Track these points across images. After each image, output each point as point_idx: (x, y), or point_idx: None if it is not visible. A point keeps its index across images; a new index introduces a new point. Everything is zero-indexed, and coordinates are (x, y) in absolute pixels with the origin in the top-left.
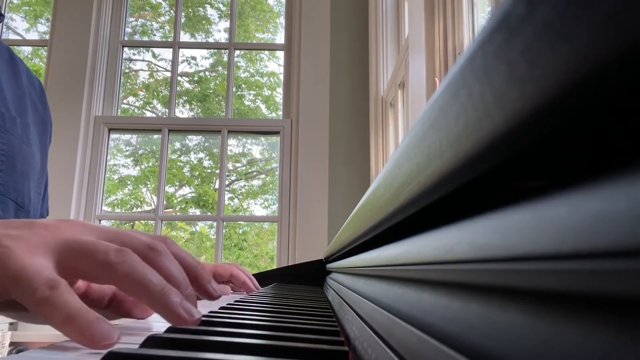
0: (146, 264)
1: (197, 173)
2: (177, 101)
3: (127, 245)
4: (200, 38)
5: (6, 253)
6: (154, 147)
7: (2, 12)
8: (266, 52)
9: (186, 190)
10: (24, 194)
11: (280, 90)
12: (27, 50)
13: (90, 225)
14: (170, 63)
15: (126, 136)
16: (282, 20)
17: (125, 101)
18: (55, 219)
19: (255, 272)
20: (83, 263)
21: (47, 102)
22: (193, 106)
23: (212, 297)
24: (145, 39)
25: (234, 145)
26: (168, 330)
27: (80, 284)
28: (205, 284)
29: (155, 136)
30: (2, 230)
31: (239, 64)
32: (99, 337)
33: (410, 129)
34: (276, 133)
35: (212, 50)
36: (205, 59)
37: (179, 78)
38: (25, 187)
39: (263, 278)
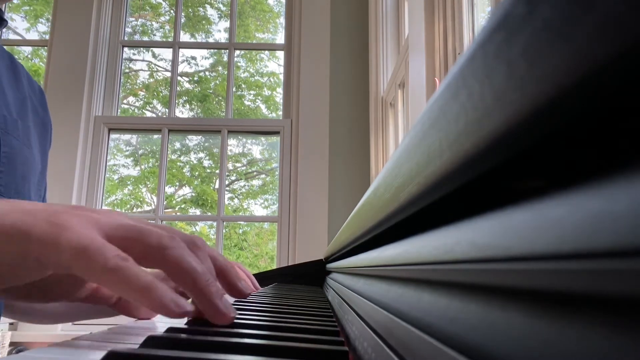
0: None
1: (197, 173)
2: (177, 101)
3: (138, 242)
4: (200, 38)
5: (69, 229)
6: (154, 147)
7: (4, 18)
8: (266, 52)
9: (186, 190)
10: (24, 196)
11: (280, 90)
12: (27, 50)
13: (133, 217)
14: (170, 63)
15: (126, 136)
16: (282, 20)
17: (125, 101)
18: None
19: (255, 272)
20: (135, 245)
21: (47, 106)
22: (193, 106)
23: (242, 295)
24: (145, 39)
25: (234, 145)
26: (168, 330)
27: (88, 287)
28: (236, 283)
29: (155, 136)
30: (51, 208)
31: (239, 64)
32: (178, 304)
33: (410, 129)
34: (276, 133)
35: (212, 50)
36: (205, 59)
37: (179, 78)
38: (25, 189)
39: (263, 278)
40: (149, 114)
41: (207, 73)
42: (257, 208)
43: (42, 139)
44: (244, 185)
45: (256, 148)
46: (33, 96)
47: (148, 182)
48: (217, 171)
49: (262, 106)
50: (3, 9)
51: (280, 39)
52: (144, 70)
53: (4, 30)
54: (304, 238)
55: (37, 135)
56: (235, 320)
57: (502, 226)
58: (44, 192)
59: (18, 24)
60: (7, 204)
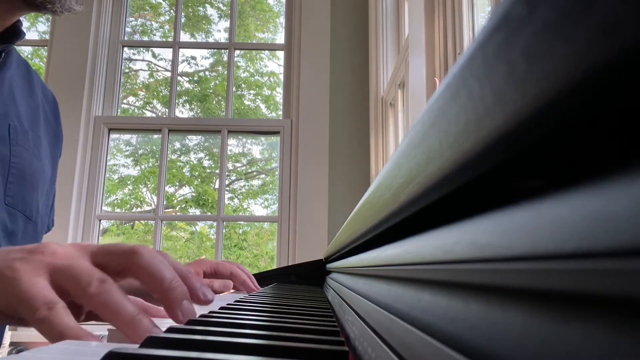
0: (121, 294)
1: (197, 173)
2: (177, 101)
3: (113, 254)
4: (200, 38)
5: (13, 278)
6: (154, 147)
7: (22, 30)
8: (266, 52)
9: (186, 190)
10: (32, 207)
11: (280, 90)
12: (27, 50)
13: (87, 246)
14: (170, 63)
15: (126, 136)
16: (282, 20)
17: (125, 101)
18: (55, 243)
19: (255, 272)
20: (70, 287)
21: (60, 116)
22: (193, 106)
23: (200, 301)
24: (145, 38)
25: (234, 145)
26: (168, 330)
27: None
28: (195, 289)
29: (155, 136)
30: (14, 255)
31: (238, 63)
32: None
33: (410, 129)
34: (276, 133)
35: (212, 50)
36: (205, 58)
37: (179, 78)
38: (34, 200)
39: (263, 278)
40: (149, 114)
41: (207, 73)
42: (257, 208)
43: (53, 149)
44: (244, 185)
45: (256, 148)
46: (46, 105)
47: (148, 182)
48: (217, 171)
49: (262, 106)
50: (21, 20)
51: (280, 38)
52: (144, 70)
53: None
54: (304, 238)
55: (48, 145)
56: (236, 320)
57: (502, 226)
58: (52, 200)
59: None
60: None
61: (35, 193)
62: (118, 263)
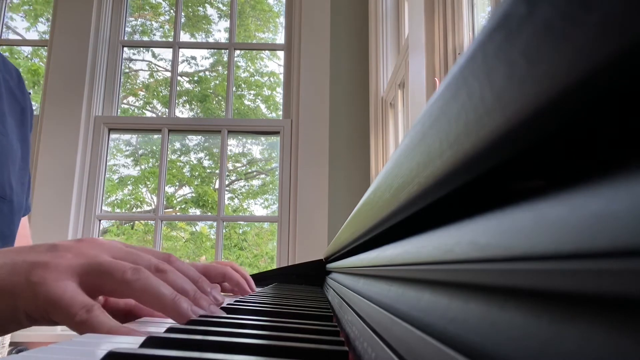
0: (158, 278)
1: (197, 173)
2: (177, 101)
3: (137, 262)
4: (200, 38)
5: (43, 284)
6: (154, 147)
7: None
8: (266, 51)
9: (186, 190)
10: (4, 184)
11: (280, 90)
12: (27, 50)
13: (105, 243)
14: (170, 63)
15: (126, 136)
16: (282, 20)
17: (125, 101)
18: (73, 240)
19: (255, 272)
20: (105, 281)
21: (26, 90)
22: (193, 106)
23: (216, 302)
24: (145, 38)
25: (234, 145)
26: (168, 330)
27: (100, 297)
28: (208, 292)
29: (155, 136)
30: (31, 258)
31: (239, 63)
32: None
33: (410, 129)
34: (276, 133)
35: (212, 50)
36: (205, 58)
37: (179, 78)
38: (5, 177)
39: (263, 278)
40: (149, 114)
41: (207, 73)
42: (257, 208)
43: (21, 124)
44: (244, 185)
45: (256, 148)
46: (9, 79)
47: (148, 182)
48: (217, 171)
49: (262, 106)
50: None
51: (280, 38)
52: (144, 70)
53: (3, 30)
54: (304, 238)
55: (15, 121)
56: (236, 320)
57: (502, 226)
58: (27, 182)
59: (18, 23)
60: None
61: (6, 170)
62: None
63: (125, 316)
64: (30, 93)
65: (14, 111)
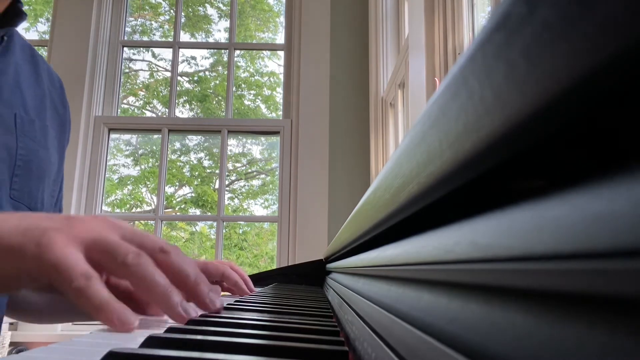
0: (157, 267)
1: (197, 173)
2: (177, 101)
3: (143, 245)
4: (200, 38)
5: (49, 247)
6: (154, 147)
7: (23, 10)
8: (266, 51)
9: (186, 190)
10: (37, 200)
11: (280, 90)
12: None
13: (118, 224)
14: (170, 63)
15: (126, 136)
16: (282, 19)
17: (125, 101)
18: (89, 216)
19: (255, 272)
20: (106, 259)
21: (67, 102)
22: (193, 106)
23: (208, 308)
24: (145, 38)
25: (234, 145)
26: (168, 330)
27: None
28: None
29: (155, 136)
30: (45, 224)
31: (239, 63)
32: (123, 321)
33: (410, 129)
34: (276, 133)
35: (212, 50)
36: (205, 58)
37: (179, 78)
38: (39, 192)
39: (263, 278)
40: (149, 114)
41: (207, 73)
42: (257, 208)
43: (60, 137)
44: (244, 185)
45: (256, 148)
46: (53, 92)
47: (148, 182)
48: (217, 171)
49: (262, 106)
50: (21, 1)
51: (280, 38)
52: (144, 70)
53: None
54: (304, 238)
55: (55, 133)
56: (236, 320)
57: (503, 226)
58: (59, 188)
59: None
60: (9, 222)
61: (42, 185)
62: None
63: (124, 300)
64: (69, 104)
65: (55, 123)
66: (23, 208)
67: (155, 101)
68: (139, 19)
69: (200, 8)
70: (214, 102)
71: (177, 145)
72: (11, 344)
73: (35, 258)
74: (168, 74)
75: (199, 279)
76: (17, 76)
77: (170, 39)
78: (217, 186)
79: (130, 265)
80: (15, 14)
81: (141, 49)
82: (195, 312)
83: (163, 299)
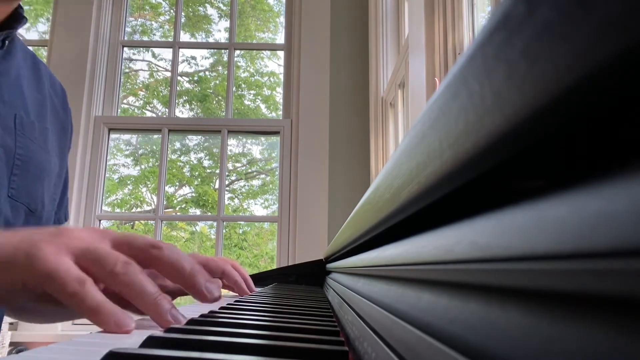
0: (145, 276)
1: (197, 173)
2: (177, 101)
3: (133, 246)
4: (200, 38)
5: (40, 257)
6: (154, 147)
7: (24, 15)
8: (266, 51)
9: (186, 190)
10: (36, 200)
11: (280, 90)
12: None
13: (106, 232)
14: (170, 63)
15: (126, 136)
16: (282, 20)
17: (125, 101)
18: (76, 228)
19: (255, 272)
20: (95, 268)
21: (69, 107)
22: (193, 106)
23: (205, 298)
24: (145, 38)
25: (234, 145)
26: (168, 330)
27: None
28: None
29: (155, 136)
30: (36, 237)
31: (239, 63)
32: (120, 324)
33: (410, 129)
34: (276, 133)
35: (212, 50)
36: (205, 58)
37: (179, 78)
38: (38, 193)
39: (263, 278)
40: (149, 114)
41: (207, 73)
42: (257, 208)
43: (61, 142)
44: (244, 185)
45: (256, 148)
46: (54, 97)
47: (148, 182)
48: (217, 171)
49: (262, 106)
50: (22, 6)
51: (280, 38)
52: (144, 70)
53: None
54: (304, 238)
55: (56, 138)
56: (236, 320)
57: (502, 226)
58: (61, 195)
59: None
60: (3, 238)
61: (41, 186)
62: (138, 255)
63: (122, 304)
64: (70, 110)
65: (56, 127)
66: (21, 207)
67: (155, 101)
68: (139, 19)
69: (200, 8)
70: (214, 102)
71: (177, 145)
72: (11, 344)
73: (27, 269)
74: (168, 74)
75: (194, 271)
76: (18, 80)
77: (170, 39)
78: (217, 186)
79: (118, 274)
80: (15, 19)
81: (141, 49)
82: (184, 318)
83: (152, 307)
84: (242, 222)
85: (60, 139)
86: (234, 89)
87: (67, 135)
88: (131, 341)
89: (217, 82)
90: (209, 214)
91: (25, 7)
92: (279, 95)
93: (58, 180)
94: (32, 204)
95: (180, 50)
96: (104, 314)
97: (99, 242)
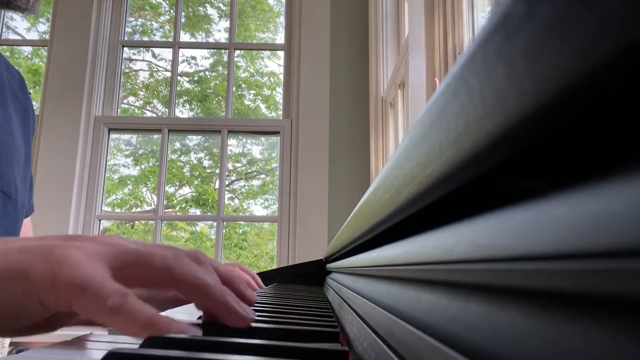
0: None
1: (197, 173)
2: (177, 101)
3: (143, 272)
4: (200, 38)
5: (67, 264)
6: (154, 147)
7: None
8: (266, 51)
9: (186, 190)
10: (10, 183)
11: (280, 90)
12: (27, 50)
13: (117, 236)
14: (170, 63)
15: (126, 136)
16: (282, 20)
17: (125, 101)
18: (87, 235)
19: (255, 272)
20: (142, 270)
21: (28, 92)
22: (193, 106)
23: (249, 302)
24: (145, 38)
25: (234, 145)
26: None
27: None
28: (244, 292)
29: (155, 136)
30: (48, 242)
31: (239, 63)
32: (180, 330)
33: (410, 129)
34: (276, 133)
35: (212, 50)
36: (205, 58)
37: (179, 78)
38: (10, 176)
39: (263, 278)
40: (149, 114)
41: (207, 73)
42: (257, 208)
43: (24, 127)
44: (244, 185)
45: (256, 148)
46: (13, 82)
47: (148, 182)
48: (217, 171)
49: (262, 106)
50: None
51: (280, 38)
52: (144, 70)
53: (3, 30)
54: (304, 238)
55: (19, 122)
56: None
57: (502, 226)
58: (29, 183)
59: (18, 23)
60: (9, 244)
61: (12, 169)
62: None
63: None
64: (31, 93)
65: (18, 112)
66: None
67: (155, 101)
68: (139, 19)
69: (200, 8)
70: (214, 102)
71: (177, 145)
72: (11, 344)
73: (47, 279)
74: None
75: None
76: None
77: (170, 39)
78: (217, 186)
79: (174, 267)
80: None
81: (141, 49)
82: (253, 312)
83: (219, 300)
84: (242, 222)
85: (23, 123)
86: (234, 89)
87: (30, 120)
88: (131, 341)
89: (217, 82)
90: (209, 213)
91: None
92: (279, 95)
93: (26, 164)
94: (6, 188)
95: (180, 50)
96: (160, 327)
97: (127, 244)
